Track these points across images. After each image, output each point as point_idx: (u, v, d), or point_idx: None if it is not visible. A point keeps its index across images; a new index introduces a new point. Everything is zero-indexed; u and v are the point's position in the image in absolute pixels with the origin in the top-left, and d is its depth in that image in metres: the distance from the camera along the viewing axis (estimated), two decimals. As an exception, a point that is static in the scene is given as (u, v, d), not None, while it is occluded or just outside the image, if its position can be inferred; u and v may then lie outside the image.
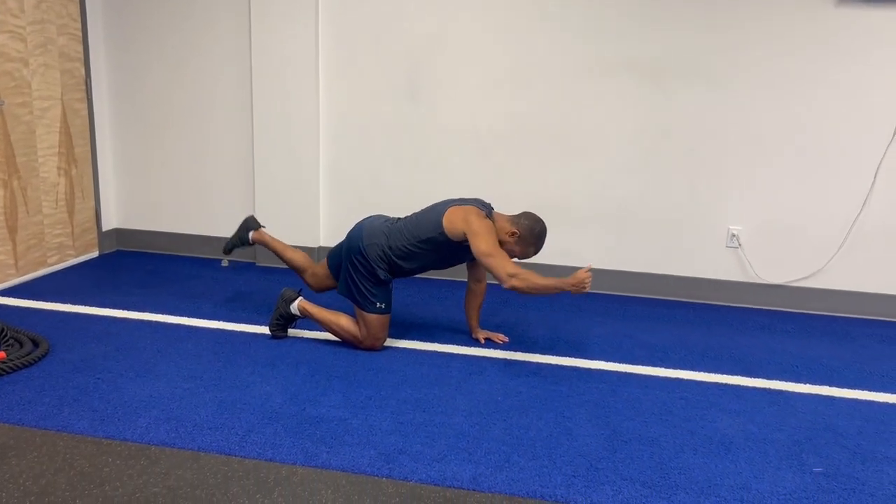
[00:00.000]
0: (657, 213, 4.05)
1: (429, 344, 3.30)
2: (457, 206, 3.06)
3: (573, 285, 2.88)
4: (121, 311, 3.56)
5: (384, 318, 3.14)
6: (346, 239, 3.19)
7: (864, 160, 3.79)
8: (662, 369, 3.13)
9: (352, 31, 4.14)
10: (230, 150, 4.44)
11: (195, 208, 4.57)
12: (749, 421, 2.68)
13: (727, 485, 2.26)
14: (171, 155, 4.53)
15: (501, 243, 3.09)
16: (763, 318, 3.88)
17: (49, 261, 4.14)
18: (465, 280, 3.41)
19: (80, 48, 4.23)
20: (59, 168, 4.14)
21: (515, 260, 3.08)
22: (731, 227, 4.00)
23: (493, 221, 3.08)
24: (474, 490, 2.18)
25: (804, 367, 3.22)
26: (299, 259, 3.53)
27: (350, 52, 4.16)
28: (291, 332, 3.35)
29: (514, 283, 2.87)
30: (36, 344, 3.06)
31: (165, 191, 4.59)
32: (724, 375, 3.09)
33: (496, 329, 3.47)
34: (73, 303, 3.63)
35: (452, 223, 3.00)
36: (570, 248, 4.15)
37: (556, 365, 3.13)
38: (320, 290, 3.48)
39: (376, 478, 2.22)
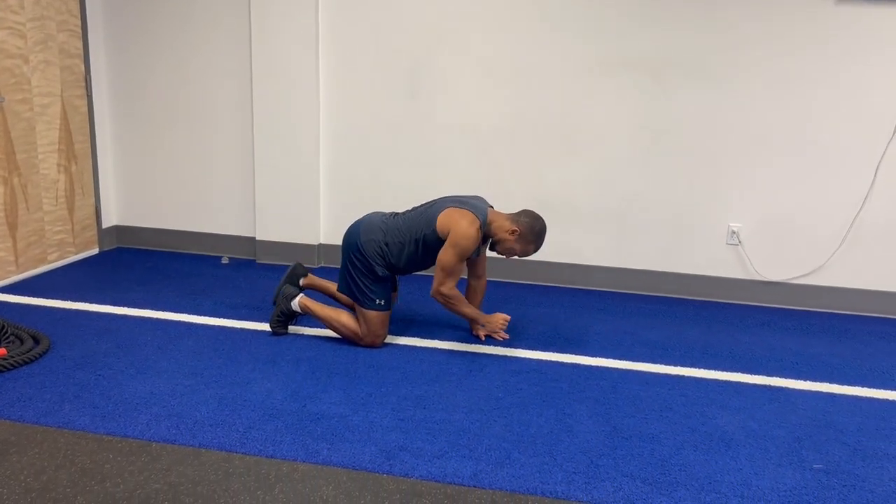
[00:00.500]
0: (657, 211, 4.05)
1: (429, 341, 3.30)
2: (454, 209, 3.04)
3: (487, 325, 3.29)
4: (121, 307, 3.56)
5: (384, 315, 3.15)
6: (344, 235, 3.19)
7: (865, 158, 3.79)
8: (663, 366, 3.13)
9: (352, 30, 4.13)
10: (230, 147, 4.43)
11: (195, 205, 4.57)
12: (749, 418, 2.69)
13: (727, 481, 2.26)
14: (172, 151, 4.52)
15: (501, 241, 3.09)
16: (763, 315, 3.88)
17: (49, 258, 4.14)
18: (466, 277, 3.41)
19: (80, 45, 4.22)
20: (59, 165, 4.13)
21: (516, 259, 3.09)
22: (731, 224, 4.00)
23: (491, 222, 3.08)
24: (475, 486, 2.18)
25: (804, 364, 3.23)
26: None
27: (350, 51, 4.16)
28: (292, 328, 3.35)
29: (440, 299, 3.11)
30: (37, 341, 3.06)
31: (166, 188, 4.59)
32: (725, 372, 3.09)
33: (496, 326, 3.48)
34: (74, 300, 3.63)
35: (444, 224, 3.00)
36: (570, 246, 4.16)
37: (557, 362, 3.13)
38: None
39: (377, 474, 2.23)
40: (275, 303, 3.32)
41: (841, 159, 3.82)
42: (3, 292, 3.71)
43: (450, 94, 4.11)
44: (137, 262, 4.40)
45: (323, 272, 4.31)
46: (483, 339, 3.34)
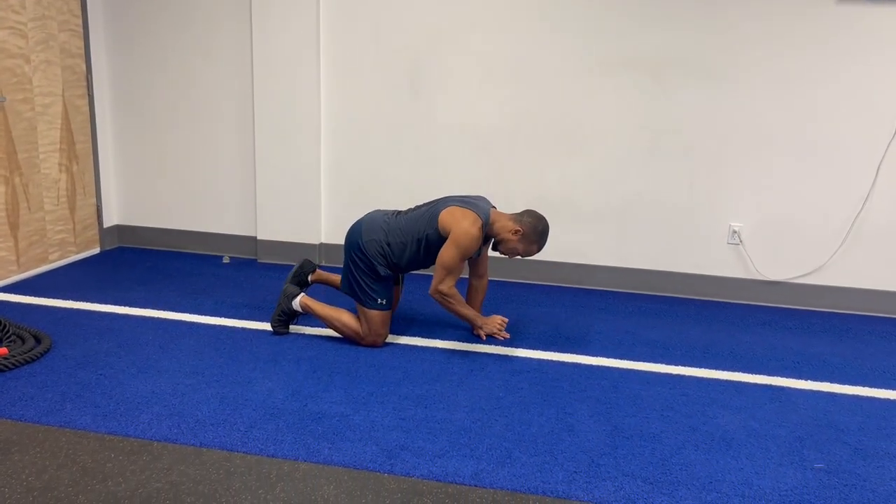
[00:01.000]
0: (658, 211, 4.05)
1: (430, 340, 3.30)
2: (457, 208, 3.04)
3: (485, 326, 3.29)
4: (122, 307, 3.56)
5: (385, 315, 3.15)
6: (346, 235, 3.19)
7: (866, 157, 3.79)
8: (664, 366, 3.13)
9: (353, 30, 4.13)
10: (231, 147, 4.44)
11: (197, 205, 4.57)
12: (750, 417, 2.69)
13: (728, 481, 2.26)
14: (173, 151, 4.53)
15: (504, 241, 3.09)
16: (764, 315, 3.88)
17: (50, 257, 4.14)
18: (467, 276, 3.41)
19: (82, 44, 4.22)
20: (60, 164, 4.14)
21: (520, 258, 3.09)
22: (732, 223, 4.00)
23: (493, 222, 3.08)
24: (476, 486, 2.18)
25: (805, 364, 3.23)
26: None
27: (351, 50, 4.16)
28: (293, 328, 3.35)
29: (438, 297, 3.11)
30: (38, 340, 3.06)
31: (167, 187, 4.59)
32: (726, 372, 3.10)
33: (497, 325, 3.48)
34: (75, 299, 3.63)
35: (446, 223, 3.00)
36: (571, 246, 4.16)
37: (558, 361, 3.13)
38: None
39: (378, 473, 2.23)
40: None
41: (842, 159, 3.82)
42: (4, 292, 3.71)
43: (450, 94, 4.11)
44: (139, 261, 4.40)
45: (324, 271, 4.32)
46: (484, 338, 3.34)
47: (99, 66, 4.39)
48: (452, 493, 2.14)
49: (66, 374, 2.81)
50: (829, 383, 3.03)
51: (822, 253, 3.93)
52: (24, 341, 3.02)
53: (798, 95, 3.79)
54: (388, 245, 3.06)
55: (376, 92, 4.18)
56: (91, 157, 4.39)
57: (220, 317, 3.48)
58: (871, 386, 3.02)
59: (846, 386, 3.01)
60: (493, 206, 3.21)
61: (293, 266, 3.59)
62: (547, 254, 3.87)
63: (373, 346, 3.18)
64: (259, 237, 4.47)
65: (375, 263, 3.07)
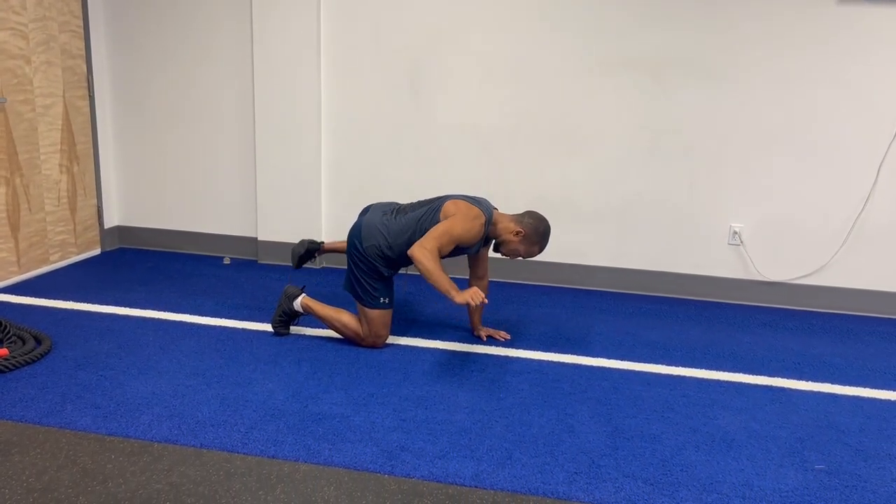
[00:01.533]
0: (658, 211, 4.05)
1: (431, 341, 3.30)
2: (462, 200, 3.04)
3: (459, 296, 2.76)
4: (123, 308, 3.56)
5: (386, 314, 3.14)
6: (347, 235, 3.19)
7: (867, 158, 3.79)
8: (664, 366, 3.13)
9: (353, 31, 4.13)
10: (232, 147, 4.44)
11: (197, 205, 4.57)
12: (751, 418, 2.69)
13: (729, 482, 2.26)
14: (173, 152, 4.53)
15: (506, 242, 3.09)
16: (765, 316, 3.88)
17: (51, 258, 4.14)
18: (467, 277, 3.41)
19: (82, 45, 4.23)
20: (61, 165, 4.14)
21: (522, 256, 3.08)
22: (732, 224, 4.00)
23: (495, 222, 3.08)
24: (476, 487, 2.18)
25: (806, 365, 3.22)
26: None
27: (351, 51, 4.16)
28: (294, 329, 3.35)
29: (417, 253, 2.80)
30: (38, 341, 3.06)
31: (167, 188, 4.59)
32: (726, 373, 3.09)
33: (498, 326, 3.48)
34: (76, 300, 3.63)
35: (449, 211, 3.00)
36: (571, 246, 4.16)
37: (558, 362, 3.13)
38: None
39: (378, 474, 2.23)
40: (297, 266, 3.56)
41: (843, 159, 3.81)
42: (5, 293, 3.71)
43: (450, 94, 4.11)
44: (139, 262, 4.40)
45: (324, 273, 4.32)
46: (484, 339, 3.34)
47: (100, 67, 4.39)
48: (453, 495, 2.14)
49: (66, 375, 2.81)
50: (829, 384, 3.02)
51: (823, 253, 3.93)
52: (24, 342, 3.02)
53: (798, 96, 3.78)
54: (390, 248, 3.04)
55: (376, 92, 4.18)
56: (92, 158, 4.40)
57: (221, 318, 3.48)
58: (871, 387, 3.02)
59: (847, 387, 3.01)
60: (495, 208, 3.20)
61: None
62: (547, 255, 3.87)
63: (373, 346, 3.17)
64: (259, 238, 4.47)
65: (377, 265, 3.06)
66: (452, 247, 2.95)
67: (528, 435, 2.49)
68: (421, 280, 4.13)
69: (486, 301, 2.91)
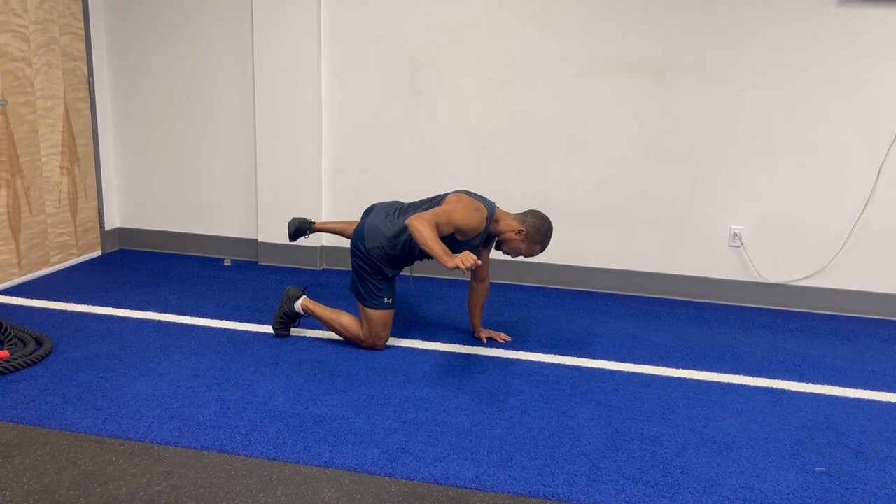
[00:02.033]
0: (659, 212, 4.05)
1: (431, 343, 3.30)
2: (465, 194, 3.05)
3: (452, 260, 2.66)
4: (124, 310, 3.56)
5: (388, 315, 3.14)
6: (351, 238, 3.19)
7: (867, 159, 3.79)
8: (664, 368, 3.13)
9: (354, 32, 4.14)
10: (232, 149, 4.44)
11: (198, 207, 4.58)
12: (751, 420, 2.69)
13: (729, 484, 2.26)
14: (174, 154, 4.53)
15: (508, 241, 3.09)
16: (765, 318, 3.88)
17: (52, 260, 4.14)
18: (468, 279, 3.41)
19: (83, 47, 4.23)
20: (61, 167, 4.15)
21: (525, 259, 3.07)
22: (733, 226, 4.00)
23: (498, 220, 3.08)
24: (477, 489, 2.18)
25: (806, 367, 3.22)
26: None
27: (352, 53, 4.17)
28: (294, 330, 3.35)
29: (415, 222, 2.79)
30: (39, 343, 3.07)
31: (168, 190, 4.60)
32: (727, 375, 3.09)
33: (498, 328, 3.48)
34: (76, 302, 3.63)
35: (450, 201, 3.00)
36: (572, 248, 4.16)
37: (559, 364, 3.13)
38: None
39: (379, 476, 2.23)
40: (293, 236, 3.52)
41: (843, 161, 3.82)
42: (6, 294, 3.72)
43: (451, 95, 4.11)
44: (140, 264, 4.40)
45: (325, 275, 4.32)
46: (485, 341, 3.34)
47: (100, 68, 4.40)
48: (453, 497, 2.14)
49: (67, 376, 2.81)
50: (830, 386, 3.02)
51: (824, 255, 3.93)
52: (25, 344, 3.02)
53: (799, 97, 3.79)
54: (394, 247, 3.04)
55: (377, 93, 4.19)
56: (92, 159, 4.40)
57: (221, 319, 3.49)
58: (872, 389, 3.01)
59: (847, 389, 3.00)
60: (498, 207, 3.20)
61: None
62: (547, 256, 3.87)
63: (373, 348, 3.18)
64: (260, 240, 4.47)
65: (382, 266, 3.07)
66: (451, 230, 2.92)
67: (529, 437, 2.49)
68: (422, 281, 4.14)
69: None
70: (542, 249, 3.16)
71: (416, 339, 3.34)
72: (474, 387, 2.87)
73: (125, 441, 2.37)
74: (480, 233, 3.02)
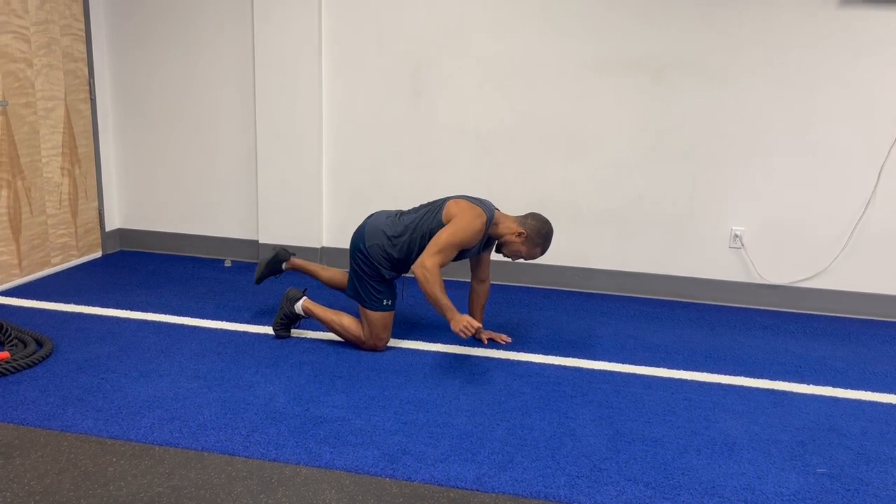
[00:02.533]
0: (660, 214, 4.05)
1: (432, 344, 3.30)
2: (463, 200, 3.05)
3: (454, 322, 2.83)
4: (124, 311, 3.56)
5: (388, 317, 3.15)
6: (351, 239, 3.19)
7: (868, 161, 3.79)
8: (666, 370, 3.13)
9: (354, 33, 4.14)
10: (233, 150, 4.44)
11: (198, 208, 4.58)
12: (752, 422, 2.68)
13: (730, 485, 2.26)
14: (175, 155, 4.53)
15: (508, 243, 3.09)
16: (766, 319, 3.87)
17: (53, 261, 4.14)
18: (469, 280, 3.41)
19: (84, 48, 4.23)
20: (62, 168, 4.15)
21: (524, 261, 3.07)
22: (733, 227, 4.00)
23: (497, 223, 3.08)
24: (478, 490, 2.18)
25: (807, 368, 3.22)
26: (338, 278, 3.52)
27: (352, 54, 4.17)
28: (295, 332, 3.35)
29: (419, 273, 2.87)
30: (40, 344, 3.07)
31: (169, 191, 4.60)
32: (728, 376, 3.09)
33: (499, 329, 3.48)
34: (77, 303, 3.63)
35: (451, 211, 3.00)
36: (572, 249, 4.16)
37: (560, 365, 3.13)
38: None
39: (380, 478, 2.23)
40: (258, 281, 3.55)
41: (844, 162, 3.81)
42: (6, 295, 3.72)
43: (451, 96, 4.11)
44: (140, 265, 4.40)
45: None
46: (485, 342, 3.34)
47: (101, 69, 4.40)
48: (454, 498, 2.14)
49: (67, 377, 2.81)
50: (831, 387, 3.02)
51: (825, 256, 3.93)
52: (25, 345, 3.02)
53: (799, 98, 3.79)
54: (393, 247, 3.05)
55: (378, 95, 4.19)
56: (93, 160, 4.40)
57: (222, 320, 3.48)
58: (873, 390, 3.01)
59: (848, 390, 3.00)
60: (497, 209, 3.20)
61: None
62: (548, 257, 3.87)
63: (374, 349, 3.17)
64: (260, 241, 4.47)
65: (380, 267, 3.07)
66: (456, 253, 2.99)
67: (530, 438, 2.49)
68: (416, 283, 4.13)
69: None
70: (543, 252, 3.16)
71: (416, 340, 3.34)
72: (475, 388, 2.87)
73: (126, 442, 2.37)
74: (481, 239, 3.04)
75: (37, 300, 3.66)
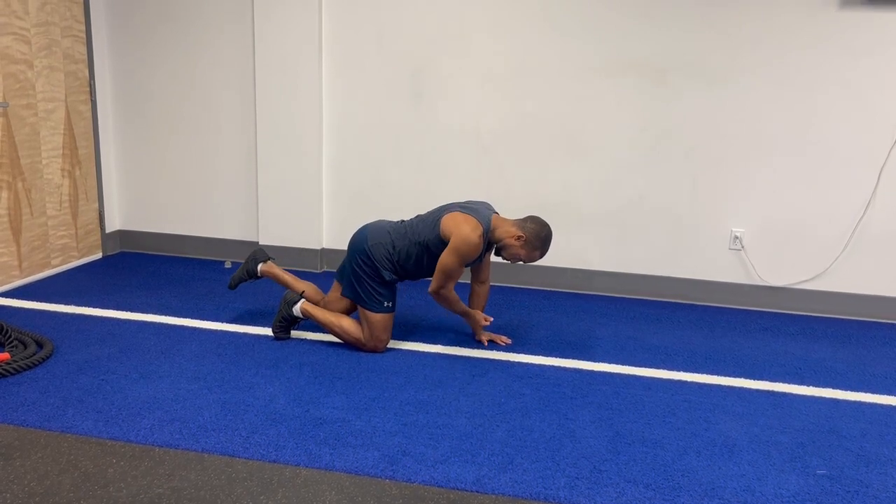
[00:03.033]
0: (660, 215, 4.05)
1: (432, 346, 3.30)
2: (458, 213, 3.05)
3: (479, 331, 3.36)
4: (124, 312, 3.56)
5: (388, 318, 3.15)
6: (351, 240, 3.20)
7: (868, 162, 3.79)
8: (665, 371, 3.13)
9: (354, 35, 4.14)
10: (233, 152, 4.45)
11: (198, 210, 4.58)
12: (752, 423, 2.68)
13: (730, 487, 2.26)
14: (175, 156, 4.54)
15: (507, 247, 3.09)
16: (766, 321, 3.87)
17: (53, 262, 4.15)
18: (469, 282, 3.41)
19: (84, 50, 4.24)
20: (62, 170, 4.15)
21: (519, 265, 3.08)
22: (733, 229, 4.00)
23: (496, 227, 3.08)
24: (477, 492, 2.18)
25: (807, 370, 3.22)
26: (310, 292, 3.39)
27: (353, 55, 4.17)
28: (294, 333, 3.35)
29: (437, 298, 3.13)
30: (40, 345, 3.07)
31: (169, 192, 4.60)
32: (727, 378, 3.09)
33: (499, 331, 3.48)
34: (77, 304, 3.63)
35: (447, 227, 3.01)
36: (572, 250, 4.16)
37: (560, 367, 3.13)
38: (342, 313, 3.32)
39: (380, 479, 2.23)
40: (233, 286, 3.50)
41: (844, 164, 3.82)
42: (6, 297, 3.72)
43: (452, 98, 4.12)
44: (140, 266, 4.41)
45: (326, 276, 4.32)
46: (486, 343, 3.34)
47: (102, 71, 4.40)
48: (454, 499, 2.14)
49: (67, 379, 2.81)
50: (831, 389, 3.02)
51: (825, 258, 3.93)
52: (26, 346, 3.02)
53: (800, 100, 3.79)
54: (395, 249, 3.06)
55: (378, 95, 4.19)
56: (93, 162, 4.40)
57: (222, 322, 3.49)
58: (873, 392, 3.01)
59: (848, 392, 3.00)
60: (496, 213, 3.21)
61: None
62: (548, 259, 3.86)
63: (374, 351, 3.18)
64: (261, 242, 4.48)
65: (381, 268, 3.07)
66: (463, 269, 3.05)
67: (530, 440, 2.49)
68: (423, 283, 4.14)
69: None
70: (542, 255, 3.16)
71: (416, 341, 3.34)
72: (475, 389, 2.87)
73: (126, 443, 2.37)
74: (480, 250, 3.05)
75: (37, 301, 3.66)
